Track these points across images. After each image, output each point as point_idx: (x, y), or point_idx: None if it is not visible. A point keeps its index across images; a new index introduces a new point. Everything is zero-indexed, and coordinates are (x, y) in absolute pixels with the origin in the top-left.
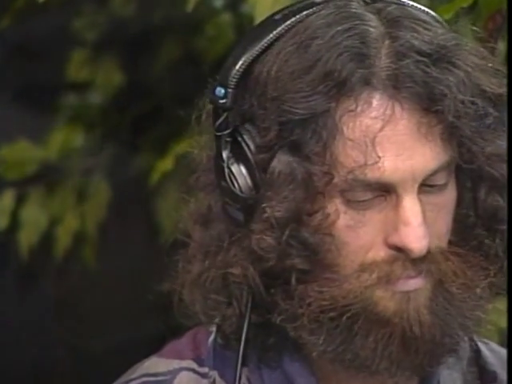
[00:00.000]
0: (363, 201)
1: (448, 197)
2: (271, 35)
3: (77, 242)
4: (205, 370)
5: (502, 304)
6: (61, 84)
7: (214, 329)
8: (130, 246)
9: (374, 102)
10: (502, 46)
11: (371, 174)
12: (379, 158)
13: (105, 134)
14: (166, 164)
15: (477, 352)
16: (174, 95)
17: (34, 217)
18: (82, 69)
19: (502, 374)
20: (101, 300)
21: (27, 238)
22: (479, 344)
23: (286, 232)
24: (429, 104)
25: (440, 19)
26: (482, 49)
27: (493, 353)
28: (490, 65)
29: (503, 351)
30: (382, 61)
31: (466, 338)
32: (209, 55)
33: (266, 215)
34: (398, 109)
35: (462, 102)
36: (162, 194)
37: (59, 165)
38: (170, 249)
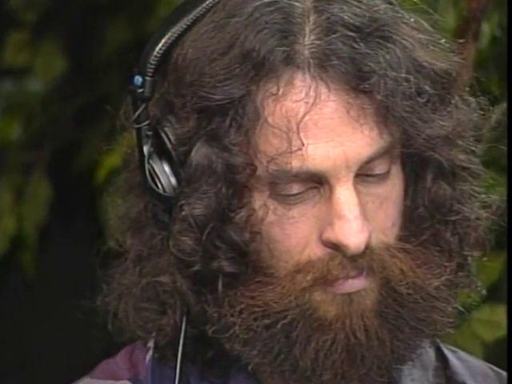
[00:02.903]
0: (294, 194)
1: (391, 187)
2: (190, 16)
3: (14, 246)
4: None
5: (486, 314)
6: None
7: (151, 345)
8: (73, 251)
9: (297, 83)
10: (486, 28)
11: (296, 163)
12: (303, 144)
13: (45, 126)
14: (114, 160)
15: (444, 361)
16: (123, 83)
17: None
18: (20, 53)
19: None
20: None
21: None
22: (446, 352)
23: (207, 231)
24: (357, 83)
25: None
26: (424, 22)
27: (462, 362)
28: (432, 39)
29: (473, 360)
30: (307, 37)
31: (427, 345)
32: None
33: (183, 213)
34: (324, 90)
35: (395, 80)
36: (109, 192)
37: None
38: (105, 258)
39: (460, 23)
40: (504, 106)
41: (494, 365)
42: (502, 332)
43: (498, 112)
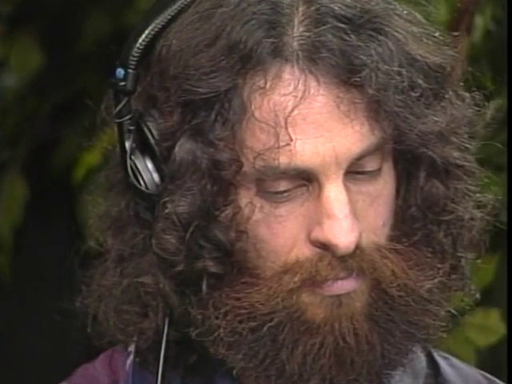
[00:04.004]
0: (282, 192)
1: (383, 185)
2: (174, 6)
3: None
4: None
5: (479, 319)
6: None
7: (132, 349)
8: (51, 251)
9: (285, 77)
10: (479, 21)
11: (284, 159)
12: (291, 140)
13: (21, 123)
14: (94, 157)
15: (435, 368)
16: (102, 78)
17: None
18: None
19: None
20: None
21: None
22: (438, 359)
23: (191, 230)
24: (348, 76)
25: None
26: (417, 14)
27: (454, 369)
28: (426, 31)
29: (466, 367)
30: (295, 28)
31: (419, 351)
32: None
33: (166, 211)
34: (313, 83)
35: (387, 74)
36: (89, 190)
37: None
38: (85, 259)
39: (453, 15)
40: (499, 101)
41: (488, 372)
42: (496, 337)
43: (493, 108)
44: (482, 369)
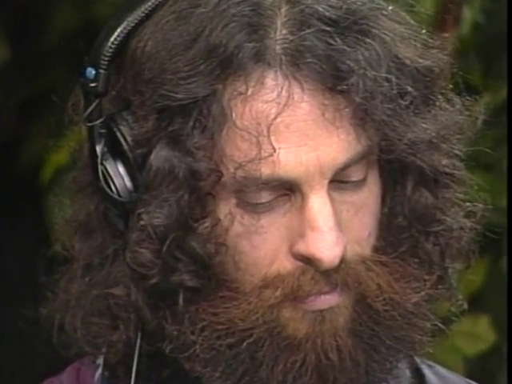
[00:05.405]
0: (263, 203)
1: (368, 194)
2: (149, 3)
3: None
4: None
5: (467, 326)
6: None
7: (100, 362)
8: (16, 254)
9: (268, 83)
10: (467, 14)
11: (266, 170)
12: (274, 149)
13: None
14: (61, 157)
15: (420, 377)
16: (71, 73)
17: None
18: None
19: None
20: None
21: None
22: (423, 367)
23: (167, 242)
24: (334, 83)
25: None
26: (404, 14)
27: (439, 378)
28: (414, 32)
29: (452, 376)
30: (278, 31)
31: (404, 362)
32: None
33: (142, 223)
34: (297, 90)
35: (375, 80)
36: (56, 192)
37: None
38: (51, 264)
39: (439, 8)
40: (487, 99)
41: (476, 381)
42: (485, 345)
43: (481, 108)
44: (471, 378)
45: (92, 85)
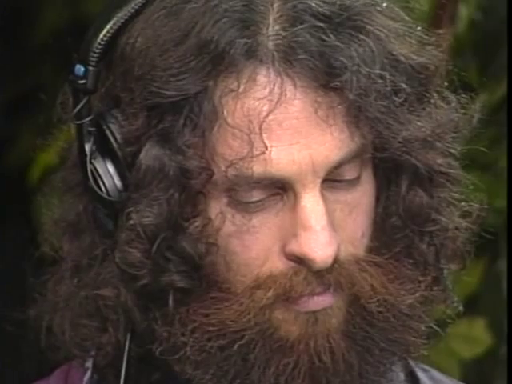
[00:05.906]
0: (254, 202)
1: (362, 193)
2: None
3: None
4: None
5: (463, 329)
6: None
7: (89, 365)
8: (3, 256)
9: (260, 79)
10: (463, 11)
11: (258, 168)
12: (266, 147)
13: None
14: (50, 156)
15: (414, 381)
16: (60, 71)
17: None
18: None
19: None
20: None
21: None
22: (417, 371)
23: (157, 242)
24: (327, 80)
25: None
26: (399, 10)
27: (434, 382)
28: (409, 29)
29: (447, 380)
30: (270, 27)
31: (398, 366)
32: None
33: (131, 222)
34: (289, 87)
35: (368, 77)
36: (44, 192)
37: None
38: (39, 265)
39: (434, 4)
40: (483, 97)
41: None
42: (481, 348)
43: (477, 106)
44: (466, 382)
45: (81, 82)
